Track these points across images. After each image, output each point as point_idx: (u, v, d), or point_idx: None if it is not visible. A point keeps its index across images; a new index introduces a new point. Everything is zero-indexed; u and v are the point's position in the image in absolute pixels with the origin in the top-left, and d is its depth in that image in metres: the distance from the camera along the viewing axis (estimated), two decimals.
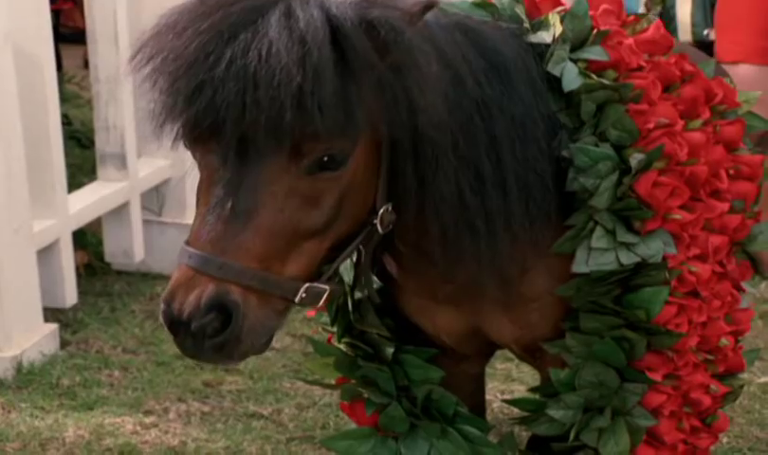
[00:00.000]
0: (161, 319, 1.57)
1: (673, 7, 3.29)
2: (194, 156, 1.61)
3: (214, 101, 1.49)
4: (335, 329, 2.11)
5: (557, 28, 1.87)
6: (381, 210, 1.66)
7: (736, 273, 2.03)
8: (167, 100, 1.54)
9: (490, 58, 1.76)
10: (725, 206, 1.96)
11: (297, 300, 1.59)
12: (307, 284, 1.60)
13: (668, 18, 3.23)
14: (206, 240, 1.53)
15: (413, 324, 2.07)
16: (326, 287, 1.63)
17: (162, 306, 1.56)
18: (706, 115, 1.99)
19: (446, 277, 1.83)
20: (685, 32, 3.11)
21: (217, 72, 1.48)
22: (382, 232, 1.68)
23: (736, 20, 2.94)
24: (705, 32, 3.13)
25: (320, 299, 1.63)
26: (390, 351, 2.04)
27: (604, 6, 1.97)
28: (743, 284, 2.08)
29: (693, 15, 3.09)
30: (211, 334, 1.53)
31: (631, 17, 2.04)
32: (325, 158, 1.54)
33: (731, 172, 2.03)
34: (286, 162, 1.53)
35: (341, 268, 1.97)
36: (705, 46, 3.14)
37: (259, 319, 1.56)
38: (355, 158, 1.58)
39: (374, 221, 1.66)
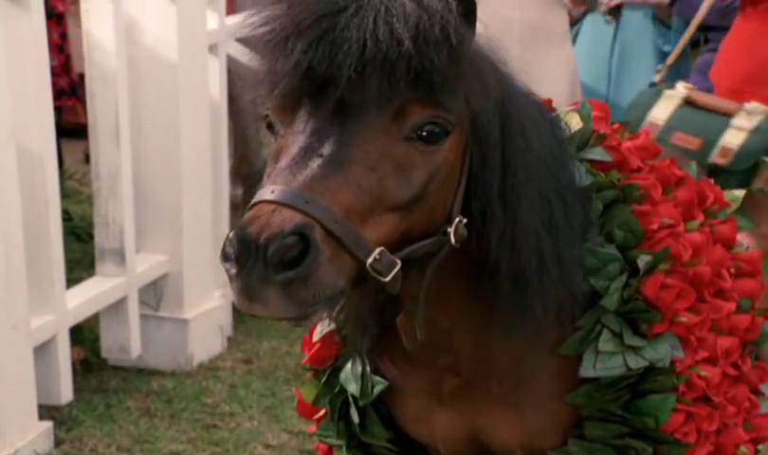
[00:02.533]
0: (224, 252, 1.45)
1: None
2: (280, 126, 1.58)
3: (335, 43, 1.49)
4: (337, 441, 2.05)
5: (574, 126, 1.90)
6: (456, 220, 1.63)
7: (753, 376, 1.99)
8: (280, 51, 1.53)
9: (547, 116, 1.81)
10: (732, 306, 1.94)
11: (369, 261, 1.51)
12: (382, 248, 1.53)
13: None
14: (291, 177, 1.48)
15: (405, 436, 2.03)
16: (399, 261, 1.55)
17: (235, 232, 1.44)
18: (701, 217, 2.00)
19: (499, 327, 1.75)
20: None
21: (341, 19, 1.50)
22: (455, 244, 1.63)
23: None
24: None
25: (390, 271, 1.54)
26: None
27: (595, 112, 2.00)
28: (762, 388, 2.03)
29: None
30: (287, 262, 1.43)
31: (617, 125, 2.08)
32: (425, 132, 1.55)
33: (732, 270, 2.03)
34: (388, 122, 1.53)
35: (345, 377, 1.95)
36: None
37: (328, 272, 1.48)
38: (450, 142, 1.58)
39: (448, 230, 1.62)
